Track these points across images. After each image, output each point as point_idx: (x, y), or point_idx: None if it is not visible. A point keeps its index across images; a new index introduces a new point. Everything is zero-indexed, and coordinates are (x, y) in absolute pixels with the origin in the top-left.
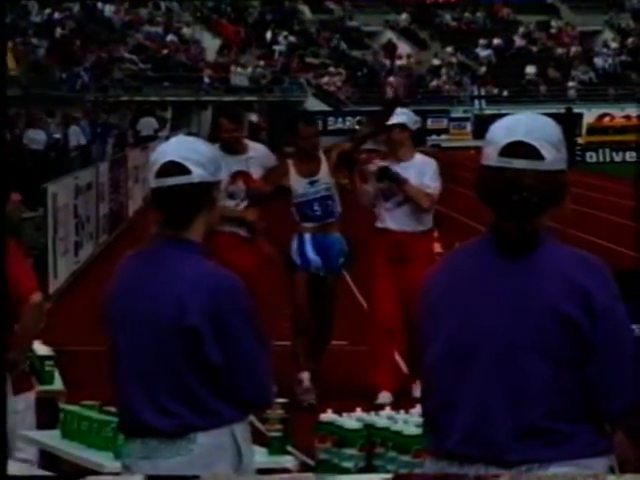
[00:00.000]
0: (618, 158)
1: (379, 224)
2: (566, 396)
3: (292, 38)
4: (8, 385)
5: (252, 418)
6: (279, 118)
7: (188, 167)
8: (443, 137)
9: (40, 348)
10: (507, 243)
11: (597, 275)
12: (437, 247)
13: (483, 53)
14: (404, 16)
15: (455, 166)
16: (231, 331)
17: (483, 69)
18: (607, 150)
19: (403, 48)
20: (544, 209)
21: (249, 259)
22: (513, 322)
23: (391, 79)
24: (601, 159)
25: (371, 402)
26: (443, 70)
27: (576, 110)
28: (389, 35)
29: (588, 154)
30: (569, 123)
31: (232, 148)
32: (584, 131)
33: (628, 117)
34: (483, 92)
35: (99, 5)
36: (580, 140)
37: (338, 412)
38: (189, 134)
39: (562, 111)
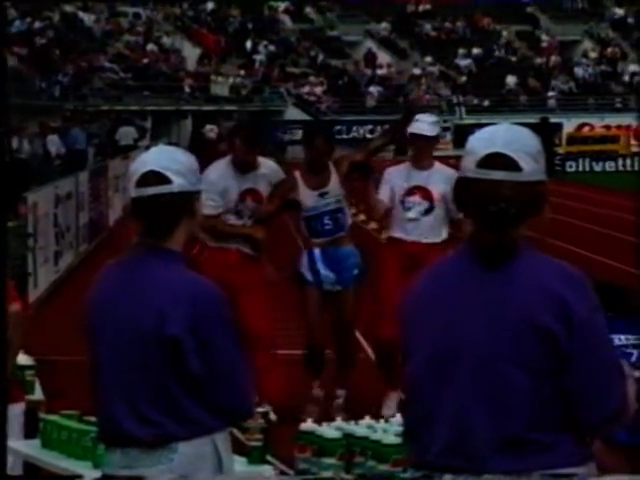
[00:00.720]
0: (598, 168)
1: (394, 234)
2: (545, 406)
3: (272, 48)
4: None
5: (232, 427)
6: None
7: (168, 177)
8: None
9: (20, 358)
10: (485, 254)
11: (575, 286)
12: None
13: (463, 63)
14: (384, 25)
15: None
16: (211, 341)
17: (463, 79)
18: (587, 160)
19: (383, 58)
20: (522, 220)
21: (254, 276)
22: (491, 333)
23: (371, 89)
24: (581, 169)
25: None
26: (423, 80)
27: (556, 120)
28: (369, 45)
29: (568, 164)
30: (545, 133)
31: (245, 168)
32: (564, 141)
33: (608, 127)
34: (463, 101)
35: (79, 14)
36: (560, 150)
37: (318, 422)
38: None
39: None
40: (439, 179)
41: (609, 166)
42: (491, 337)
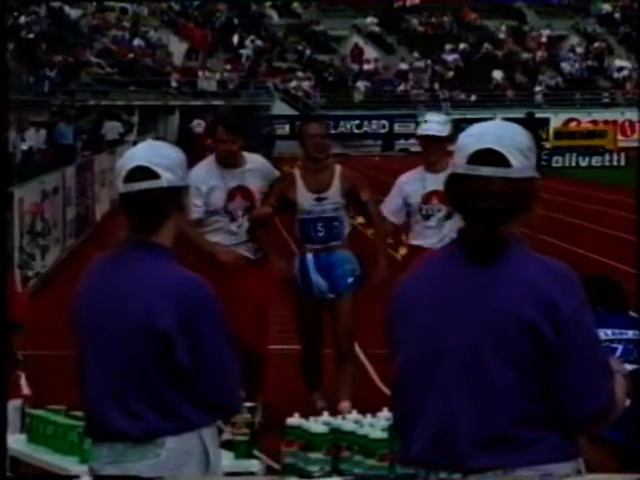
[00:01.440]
0: (584, 163)
1: (415, 241)
2: (531, 403)
3: (259, 42)
4: None
5: (218, 422)
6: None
7: (157, 172)
8: (411, 141)
9: None
10: (474, 250)
11: (563, 282)
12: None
13: (450, 58)
14: (370, 20)
15: None
16: (200, 336)
17: (450, 74)
18: (574, 155)
19: (370, 53)
20: (512, 216)
21: (252, 283)
22: (476, 329)
23: (358, 83)
24: (567, 164)
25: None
26: (410, 75)
27: (543, 115)
28: (356, 39)
29: (554, 159)
30: (531, 128)
31: (229, 162)
32: (551, 136)
33: (595, 122)
34: (449, 96)
35: (66, 9)
36: (547, 145)
37: (305, 416)
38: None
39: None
40: None
41: (596, 161)
42: (477, 333)
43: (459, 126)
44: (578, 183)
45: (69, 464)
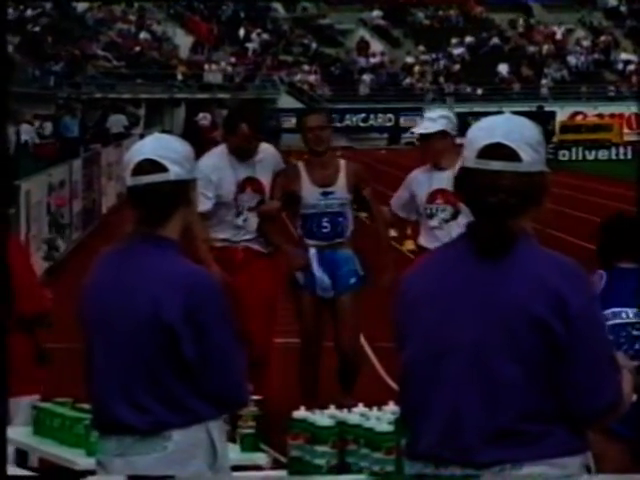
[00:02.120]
0: (590, 156)
1: (420, 241)
2: (539, 397)
3: (265, 36)
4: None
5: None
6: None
7: (165, 165)
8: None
9: None
10: (483, 244)
11: (572, 278)
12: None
13: (456, 51)
14: (376, 13)
15: None
16: (207, 329)
17: (456, 67)
18: (580, 148)
19: (376, 46)
20: (522, 211)
21: (261, 279)
22: (485, 324)
23: (364, 77)
24: (574, 157)
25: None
26: (416, 68)
27: (549, 108)
28: (362, 33)
29: (561, 152)
30: (541, 122)
31: (246, 155)
32: (557, 129)
33: (601, 115)
34: (456, 90)
35: (72, 2)
36: (553, 138)
37: (310, 409)
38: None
39: (534, 109)
40: None
41: (602, 154)
42: (485, 328)
43: (465, 120)
44: (585, 176)
45: (75, 457)
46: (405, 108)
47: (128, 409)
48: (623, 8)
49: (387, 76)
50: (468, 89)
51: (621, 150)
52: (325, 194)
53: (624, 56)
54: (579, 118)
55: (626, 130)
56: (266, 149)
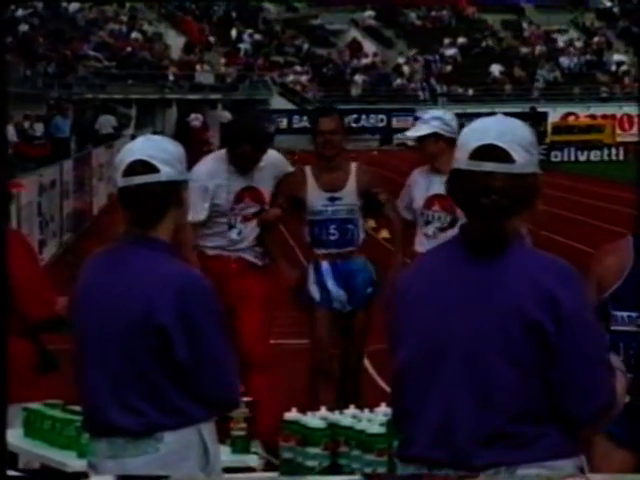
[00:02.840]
0: (583, 157)
1: (416, 247)
2: (533, 399)
3: (257, 36)
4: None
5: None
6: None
7: (156, 165)
8: None
9: None
10: (476, 245)
11: (565, 280)
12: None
13: (448, 52)
14: (368, 13)
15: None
16: (198, 330)
17: (448, 68)
18: (572, 149)
19: (368, 47)
20: (514, 212)
21: (256, 289)
22: (478, 325)
23: (356, 77)
24: (566, 158)
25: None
26: (408, 69)
27: (541, 109)
28: (354, 33)
29: (553, 153)
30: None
31: (245, 169)
32: (549, 130)
33: (593, 116)
34: (448, 91)
35: (63, 2)
36: (545, 139)
37: (302, 411)
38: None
39: (527, 110)
40: None
41: (594, 156)
42: (478, 330)
43: (459, 120)
44: (577, 178)
45: (66, 458)
46: (397, 109)
47: (119, 411)
48: (616, 9)
49: (379, 77)
50: (460, 90)
51: (613, 151)
52: (332, 199)
53: (616, 57)
54: (571, 119)
55: (618, 131)
56: (269, 156)
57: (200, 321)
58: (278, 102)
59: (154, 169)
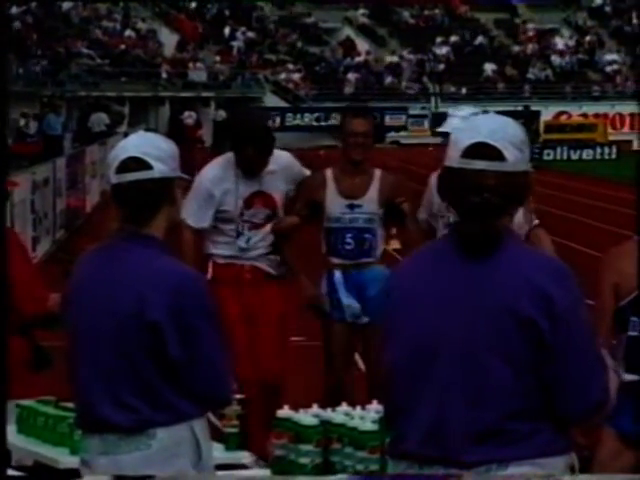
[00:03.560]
0: (575, 156)
1: None
2: (525, 397)
3: (250, 34)
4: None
5: (208, 414)
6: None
7: (149, 162)
8: (402, 134)
9: None
10: (468, 243)
11: (558, 278)
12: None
13: (441, 50)
14: (361, 12)
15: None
16: (191, 327)
17: (441, 66)
18: (564, 148)
19: (361, 45)
20: (506, 210)
21: (271, 302)
22: (472, 323)
23: (349, 76)
24: (558, 157)
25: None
26: (401, 67)
27: (533, 108)
28: (347, 32)
29: (545, 152)
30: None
31: (252, 172)
32: (541, 129)
33: (585, 115)
34: (441, 89)
35: (57, 0)
36: (539, 138)
37: (295, 408)
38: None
39: (519, 108)
40: None
41: (587, 154)
42: (472, 328)
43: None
44: (569, 176)
45: (59, 455)
46: (390, 107)
47: (112, 407)
48: (608, 8)
49: (372, 75)
50: (453, 89)
51: (606, 150)
52: (351, 207)
53: (609, 56)
54: (563, 118)
55: (610, 130)
56: (280, 158)
57: (193, 318)
58: (271, 100)
59: (147, 166)
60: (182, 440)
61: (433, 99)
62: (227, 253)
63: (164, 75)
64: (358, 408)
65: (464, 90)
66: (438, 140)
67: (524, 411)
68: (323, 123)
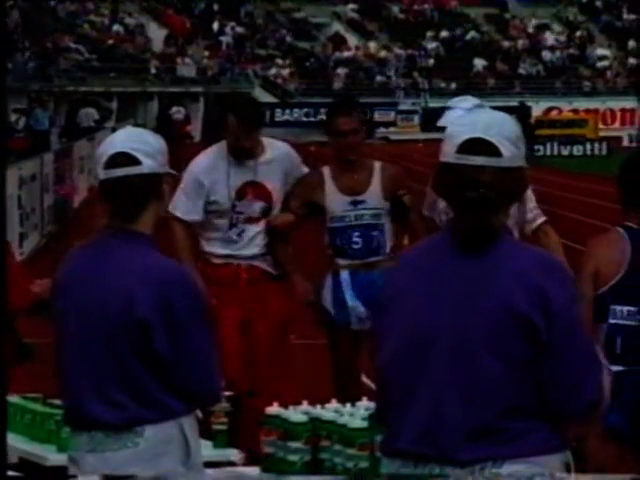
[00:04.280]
0: (565, 152)
1: None
2: (520, 394)
3: (239, 29)
4: None
5: (197, 411)
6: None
7: (137, 158)
8: (391, 129)
9: None
10: (464, 239)
11: (554, 275)
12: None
13: (431, 45)
14: (351, 7)
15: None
16: (180, 324)
17: (431, 61)
18: (555, 143)
19: (351, 40)
20: (502, 206)
21: (271, 304)
22: (467, 320)
23: (338, 71)
24: (549, 152)
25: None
26: (390, 62)
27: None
28: (337, 27)
29: (536, 147)
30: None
31: (242, 155)
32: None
33: (576, 110)
34: (430, 84)
35: None
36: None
37: (284, 405)
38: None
39: (511, 104)
40: None
41: (577, 150)
42: (467, 324)
43: (440, 115)
44: (559, 172)
45: (47, 452)
46: (379, 103)
47: (100, 404)
48: (598, 3)
49: (361, 70)
50: (443, 84)
51: (596, 146)
52: (354, 203)
53: (599, 51)
54: (554, 113)
55: (601, 125)
56: (277, 148)
57: (181, 314)
58: (260, 95)
59: (136, 161)
60: (170, 438)
61: (423, 95)
62: (222, 252)
63: (152, 70)
64: (348, 405)
65: (454, 85)
66: (429, 136)
67: (519, 409)
68: (312, 118)
